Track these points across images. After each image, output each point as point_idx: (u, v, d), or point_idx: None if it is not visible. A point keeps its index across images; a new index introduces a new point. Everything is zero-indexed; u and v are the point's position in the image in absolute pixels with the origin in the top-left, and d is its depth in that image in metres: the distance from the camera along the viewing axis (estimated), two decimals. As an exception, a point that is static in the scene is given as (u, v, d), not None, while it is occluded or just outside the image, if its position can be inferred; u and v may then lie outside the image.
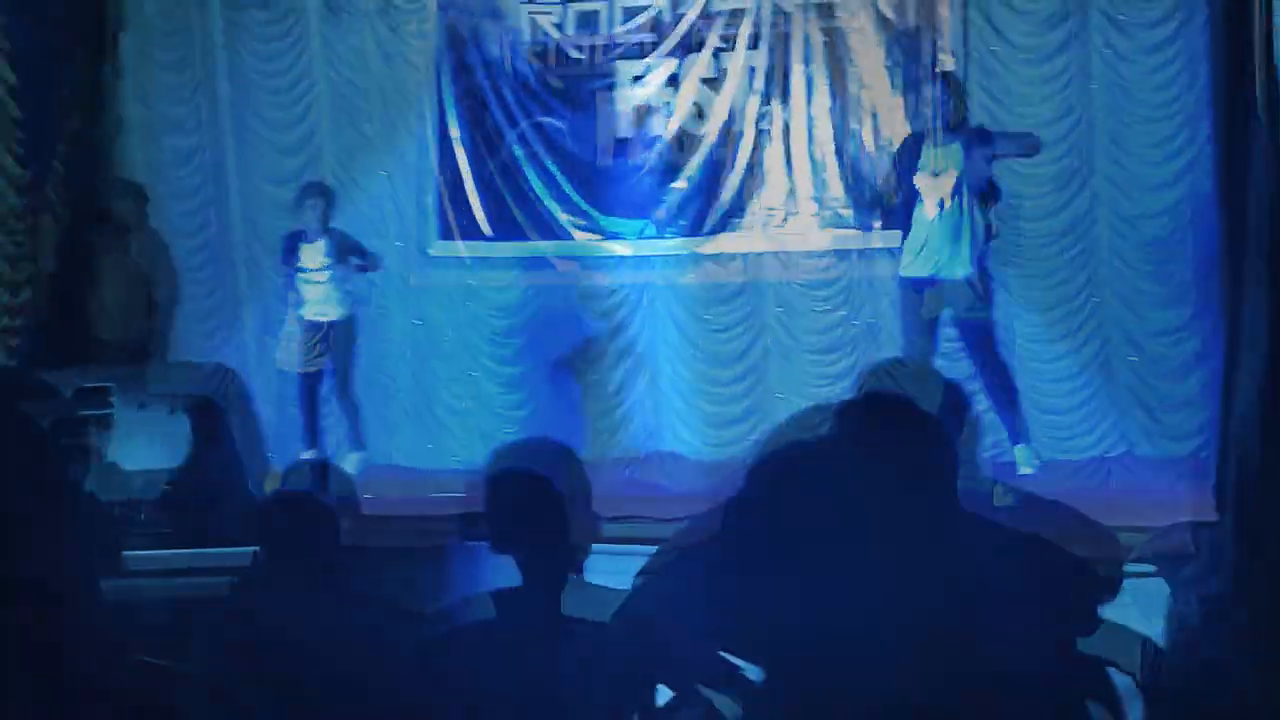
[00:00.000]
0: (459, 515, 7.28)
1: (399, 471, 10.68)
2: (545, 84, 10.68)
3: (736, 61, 10.38)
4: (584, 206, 10.61)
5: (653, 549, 3.77)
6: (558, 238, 10.69)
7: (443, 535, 7.44)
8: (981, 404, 9.06)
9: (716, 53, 10.44)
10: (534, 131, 10.68)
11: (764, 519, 2.18)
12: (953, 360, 9.32)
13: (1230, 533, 5.57)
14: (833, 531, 2.19)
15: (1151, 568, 5.97)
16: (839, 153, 10.21)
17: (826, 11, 10.25)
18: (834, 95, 10.19)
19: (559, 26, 10.66)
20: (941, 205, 8.94)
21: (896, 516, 2.95)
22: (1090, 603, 3.16)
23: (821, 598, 2.09)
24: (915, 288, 9.14)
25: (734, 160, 10.37)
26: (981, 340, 9.21)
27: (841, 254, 10.27)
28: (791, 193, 10.29)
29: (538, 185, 10.67)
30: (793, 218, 10.32)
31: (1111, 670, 3.39)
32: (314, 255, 9.85)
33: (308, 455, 9.80)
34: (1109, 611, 3.46)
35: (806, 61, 10.25)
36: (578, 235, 10.66)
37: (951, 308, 9.14)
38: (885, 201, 9.78)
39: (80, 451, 7.78)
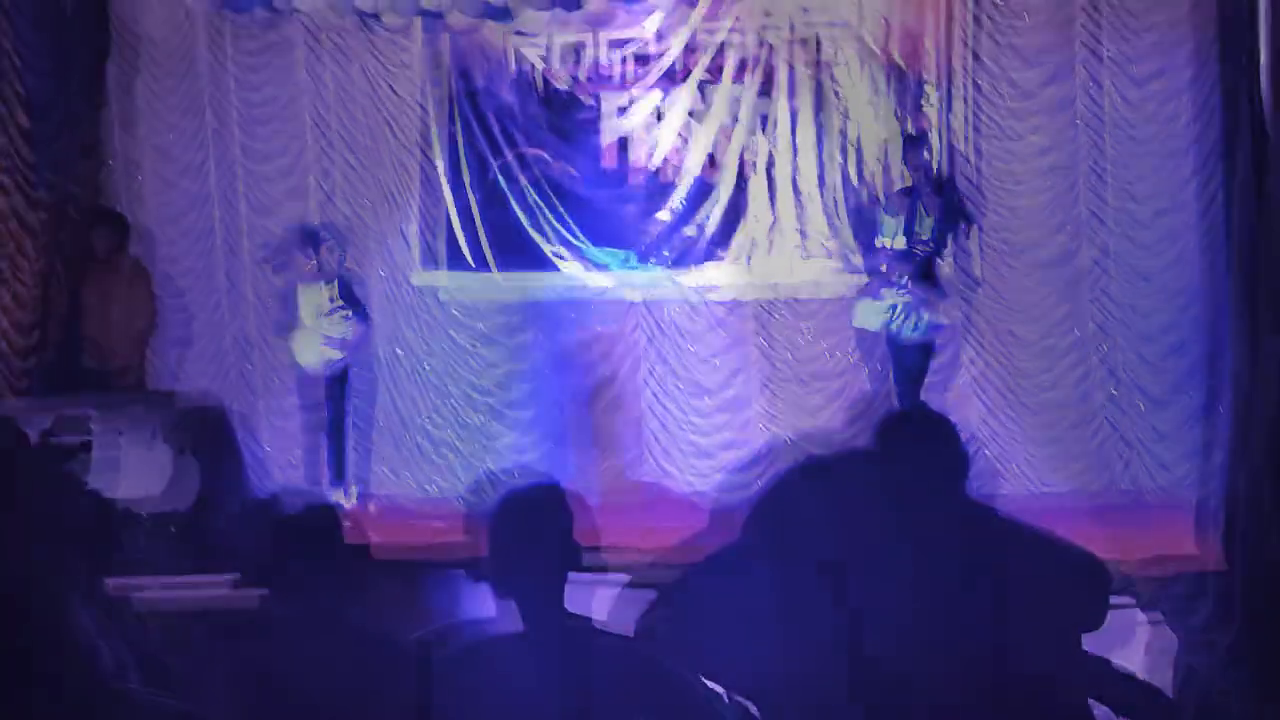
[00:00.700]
0: (440, 544, 7.29)
1: (378, 500, 10.66)
2: (530, 115, 10.69)
3: (721, 94, 10.41)
4: (568, 237, 10.61)
5: (630, 578, 3.77)
6: (542, 268, 10.68)
7: (424, 563, 7.44)
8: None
9: (701, 85, 10.46)
10: (519, 162, 10.69)
11: (783, 534, 2.19)
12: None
13: (1216, 560, 5.56)
14: (855, 542, 2.20)
15: (1159, 615, 5.95)
16: (822, 185, 10.23)
17: (813, 45, 10.28)
18: (818, 128, 10.22)
19: (544, 58, 10.68)
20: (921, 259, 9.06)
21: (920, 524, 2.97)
22: (1099, 597, 3.18)
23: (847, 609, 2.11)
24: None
25: (718, 192, 10.39)
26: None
27: (825, 284, 10.27)
28: (775, 224, 10.30)
29: (522, 216, 10.67)
30: (776, 249, 10.33)
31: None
32: (321, 298, 9.81)
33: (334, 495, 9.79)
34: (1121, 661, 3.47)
35: (791, 94, 10.28)
36: (562, 265, 10.66)
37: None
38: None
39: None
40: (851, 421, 9.92)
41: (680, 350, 10.64)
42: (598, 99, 10.62)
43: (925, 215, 9.32)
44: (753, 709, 3.22)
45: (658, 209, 10.50)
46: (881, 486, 3.02)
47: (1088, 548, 3.48)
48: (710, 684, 3.54)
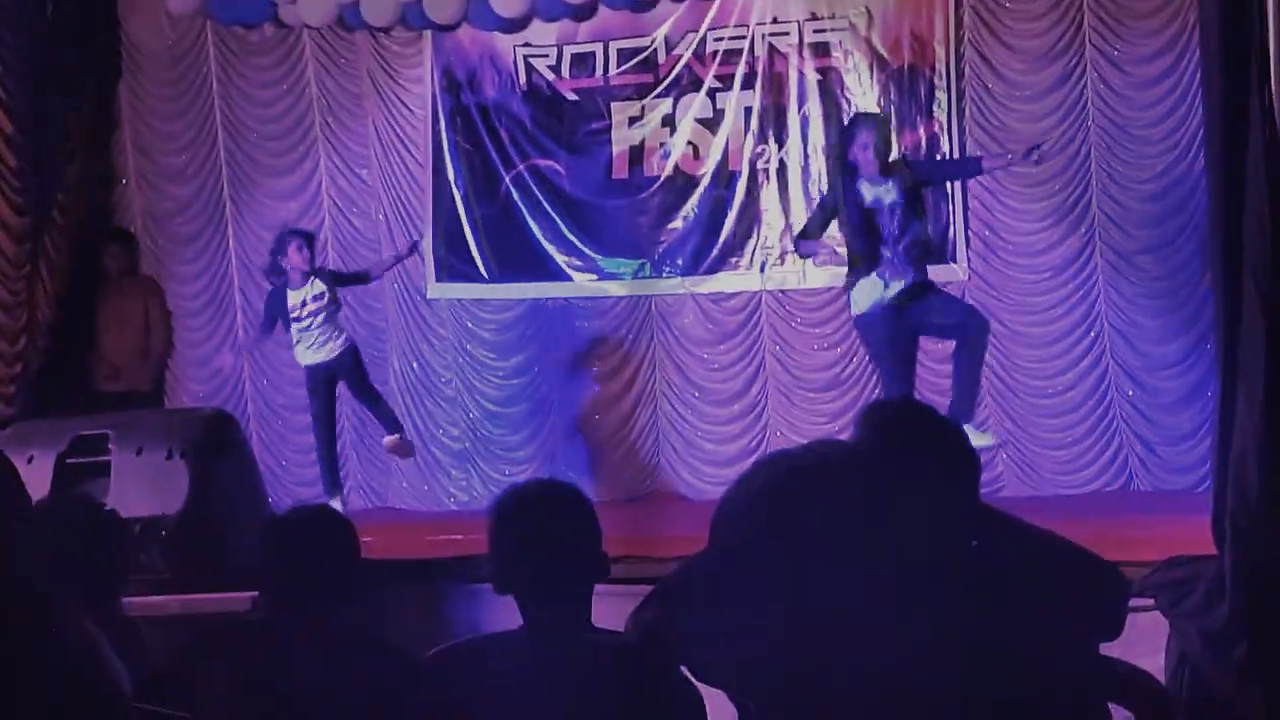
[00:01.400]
0: (460, 557, 7.27)
1: (397, 514, 10.68)
2: (541, 126, 10.71)
3: (732, 101, 10.42)
4: (581, 247, 10.63)
5: (648, 589, 3.74)
6: (555, 279, 10.70)
7: (441, 578, 7.43)
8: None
9: (712, 93, 10.47)
10: (530, 174, 10.71)
11: (773, 532, 2.16)
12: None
13: (1231, 564, 5.54)
14: (847, 540, 2.17)
15: (1151, 601, 5.96)
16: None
17: (821, 51, 10.29)
18: (829, 134, 10.21)
19: (554, 69, 10.69)
20: (897, 236, 8.61)
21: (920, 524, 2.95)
22: (1116, 606, 3.15)
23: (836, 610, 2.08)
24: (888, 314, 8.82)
25: (730, 200, 10.40)
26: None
27: (839, 291, 10.23)
28: (788, 231, 10.29)
29: (534, 227, 10.69)
30: (789, 256, 10.32)
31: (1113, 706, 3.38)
32: (303, 297, 9.64)
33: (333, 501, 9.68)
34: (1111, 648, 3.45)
35: (801, 101, 10.28)
36: (575, 276, 10.68)
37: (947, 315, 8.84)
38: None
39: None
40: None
41: (695, 359, 10.65)
42: (608, 109, 10.63)
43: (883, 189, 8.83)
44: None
45: (670, 218, 10.51)
46: (881, 488, 2.99)
47: (1101, 555, 3.46)
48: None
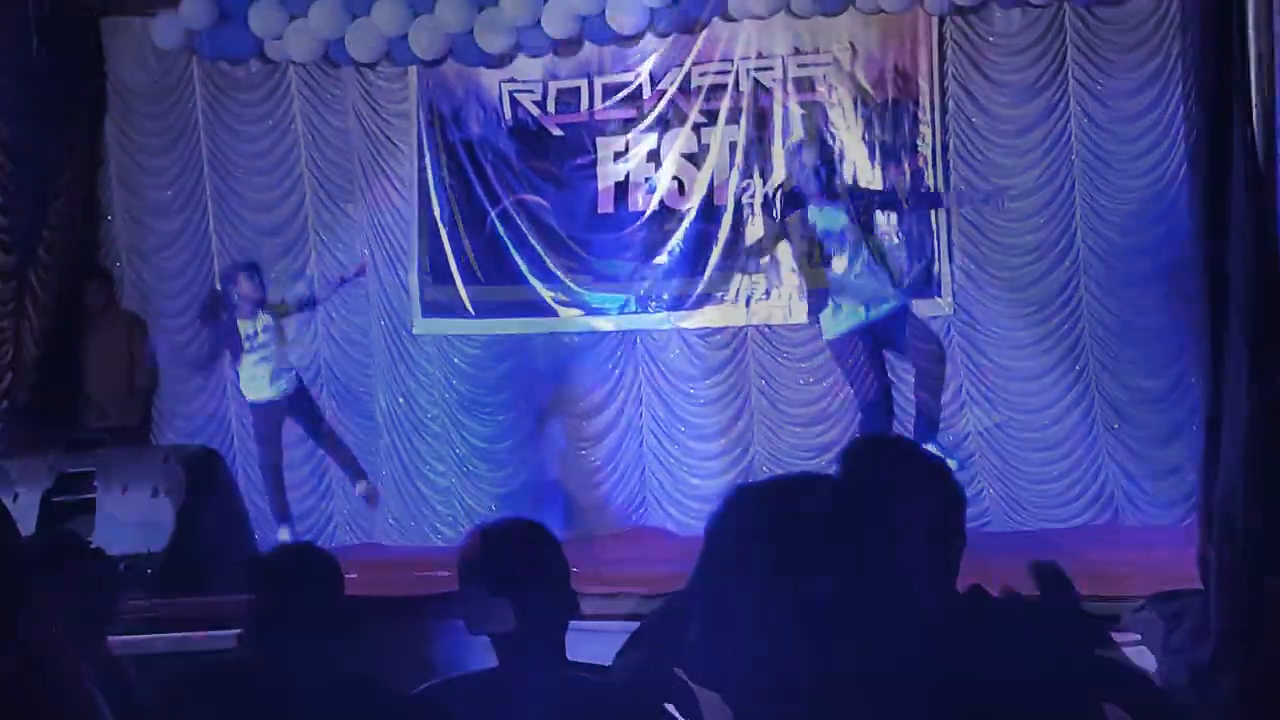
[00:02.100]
0: (444, 594, 7.25)
1: (382, 550, 10.65)
2: (527, 162, 10.73)
3: (717, 136, 10.44)
4: (567, 282, 10.64)
5: (634, 625, 3.74)
6: (541, 314, 10.71)
7: (428, 614, 7.41)
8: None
9: (697, 128, 10.50)
10: (517, 209, 10.72)
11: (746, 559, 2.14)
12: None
13: (1217, 599, 5.55)
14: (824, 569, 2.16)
15: (1138, 636, 5.96)
16: (820, 225, 10.23)
17: (806, 86, 10.32)
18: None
19: (540, 105, 10.71)
20: (851, 260, 8.69)
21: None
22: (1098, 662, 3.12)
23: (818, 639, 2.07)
24: (857, 337, 8.79)
25: (716, 234, 10.41)
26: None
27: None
28: (774, 265, 10.30)
29: (521, 262, 10.69)
30: (775, 290, 10.34)
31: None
32: (250, 329, 9.61)
33: (283, 534, 9.66)
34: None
35: (786, 135, 10.30)
36: (561, 311, 10.68)
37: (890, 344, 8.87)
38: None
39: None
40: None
41: (680, 393, 10.65)
42: (594, 144, 10.65)
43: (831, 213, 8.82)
44: None
45: (655, 253, 10.52)
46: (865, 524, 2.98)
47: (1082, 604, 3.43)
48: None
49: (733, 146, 10.42)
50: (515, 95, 10.73)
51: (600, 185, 10.64)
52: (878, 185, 9.87)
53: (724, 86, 10.39)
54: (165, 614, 7.45)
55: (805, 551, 2.18)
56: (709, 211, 10.45)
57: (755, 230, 10.28)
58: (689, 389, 10.65)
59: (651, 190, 10.55)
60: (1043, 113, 9.94)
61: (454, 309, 10.86)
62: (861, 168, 10.13)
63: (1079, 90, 9.87)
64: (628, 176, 10.61)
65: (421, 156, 10.89)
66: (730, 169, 10.41)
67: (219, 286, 9.72)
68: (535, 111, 10.71)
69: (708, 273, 10.45)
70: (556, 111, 10.70)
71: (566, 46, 10.39)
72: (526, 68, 10.60)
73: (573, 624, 3.67)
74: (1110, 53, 9.80)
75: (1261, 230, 5.66)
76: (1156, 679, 5.76)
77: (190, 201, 11.22)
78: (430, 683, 3.85)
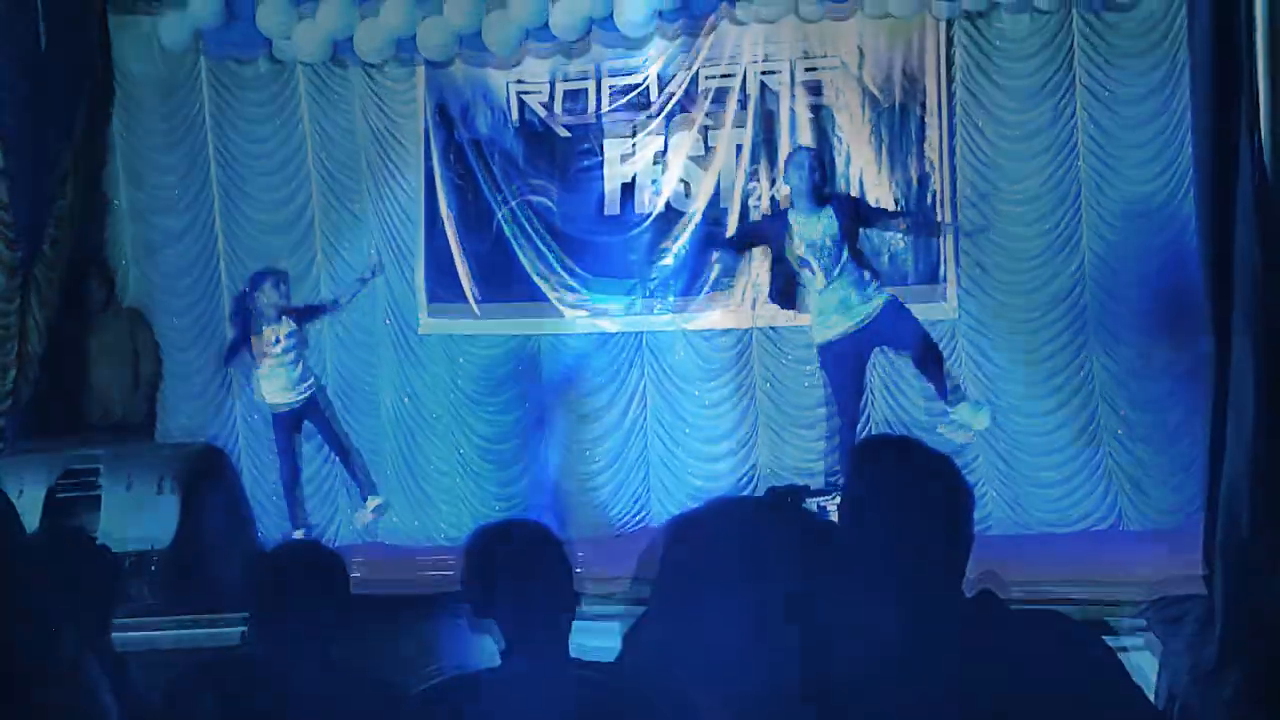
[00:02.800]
0: (448, 593, 7.26)
1: (387, 549, 10.65)
2: (533, 162, 10.73)
3: (724, 138, 10.44)
4: (572, 282, 10.64)
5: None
6: (547, 314, 10.71)
7: (432, 613, 7.42)
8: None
9: (704, 130, 10.50)
10: (522, 209, 10.72)
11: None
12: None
13: (1221, 602, 5.56)
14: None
15: (1142, 639, 5.97)
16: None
17: (813, 89, 10.32)
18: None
19: (547, 105, 10.72)
20: (829, 273, 8.73)
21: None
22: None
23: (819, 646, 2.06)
24: (852, 347, 8.86)
25: (722, 236, 10.41)
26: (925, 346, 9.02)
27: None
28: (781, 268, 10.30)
29: (526, 262, 10.70)
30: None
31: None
32: (274, 336, 9.64)
33: (298, 535, 9.68)
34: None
35: (792, 137, 10.30)
36: (566, 311, 10.69)
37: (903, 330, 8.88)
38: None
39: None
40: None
41: (685, 394, 10.66)
42: (601, 145, 10.66)
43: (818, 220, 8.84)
44: None
45: (661, 255, 10.52)
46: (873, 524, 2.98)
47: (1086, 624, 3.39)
48: None
49: (739, 149, 10.42)
50: (523, 96, 10.74)
51: (607, 186, 10.65)
52: (885, 193, 9.90)
53: (731, 89, 10.40)
54: (169, 610, 7.46)
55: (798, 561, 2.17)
56: (715, 213, 10.46)
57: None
58: (694, 390, 10.66)
59: (658, 192, 10.55)
60: (1050, 117, 9.93)
61: (460, 309, 10.86)
62: (868, 171, 10.14)
63: (1086, 95, 9.86)
64: (634, 178, 10.61)
65: (428, 156, 10.89)
66: (737, 171, 10.41)
67: (246, 289, 9.71)
68: (542, 112, 10.72)
69: (713, 274, 10.45)
70: (563, 112, 10.70)
71: (574, 47, 10.40)
72: (534, 68, 10.60)
73: (576, 623, 3.69)
74: (1117, 58, 9.80)
75: (1267, 236, 5.66)
76: (1160, 682, 5.77)
77: (197, 199, 11.22)
78: (434, 681, 3.86)
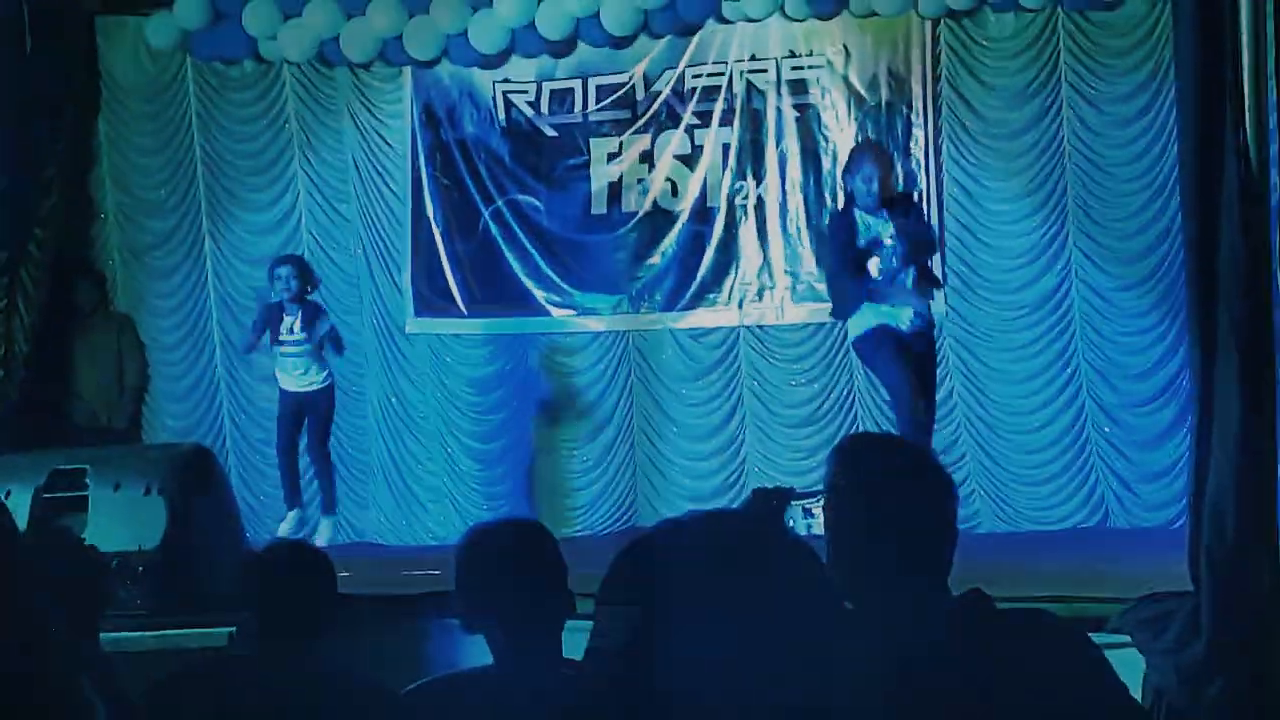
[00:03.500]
0: (436, 593, 7.25)
1: (374, 549, 10.65)
2: (520, 162, 10.74)
3: (710, 138, 10.46)
4: (559, 283, 10.65)
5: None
6: (534, 314, 10.72)
7: (419, 613, 7.41)
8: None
9: (690, 130, 10.51)
10: (509, 209, 10.73)
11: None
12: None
13: (1207, 601, 5.57)
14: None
15: (1127, 638, 5.97)
16: (812, 227, 10.25)
17: (799, 88, 10.33)
18: (807, 170, 10.27)
19: (533, 105, 10.72)
20: (884, 266, 8.59)
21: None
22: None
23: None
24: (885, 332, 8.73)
25: (709, 236, 10.43)
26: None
27: (817, 327, 10.29)
28: (766, 267, 10.33)
29: (513, 262, 10.71)
30: (768, 292, 10.37)
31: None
32: (293, 322, 9.66)
33: (290, 518, 9.64)
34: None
35: (780, 137, 10.33)
36: (554, 311, 10.69)
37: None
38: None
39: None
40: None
41: (673, 394, 10.67)
42: (587, 145, 10.66)
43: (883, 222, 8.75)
44: None
45: (648, 255, 10.54)
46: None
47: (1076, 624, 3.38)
48: None
49: (726, 148, 10.44)
50: (509, 96, 10.74)
51: (593, 186, 10.66)
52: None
53: (718, 88, 10.41)
54: (156, 611, 7.44)
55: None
56: (702, 213, 10.47)
57: (749, 232, 10.33)
58: (681, 389, 10.67)
59: (644, 192, 10.56)
60: (1035, 116, 9.96)
61: (447, 309, 10.86)
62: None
63: (1072, 94, 9.89)
64: (621, 177, 10.62)
65: (415, 156, 10.90)
66: (723, 171, 10.43)
67: (273, 269, 9.69)
68: (529, 112, 10.72)
69: (700, 274, 10.46)
70: (550, 112, 10.71)
71: (560, 47, 10.40)
72: (521, 68, 10.60)
73: (569, 623, 3.68)
74: (1103, 57, 9.82)
75: (1253, 234, 5.67)
76: (1146, 680, 5.78)
77: (184, 201, 11.21)
78: (423, 681, 3.86)
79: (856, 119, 10.20)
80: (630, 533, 10.37)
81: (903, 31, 10.11)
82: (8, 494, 7.50)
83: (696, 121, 10.50)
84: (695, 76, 10.46)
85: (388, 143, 10.97)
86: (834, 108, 10.25)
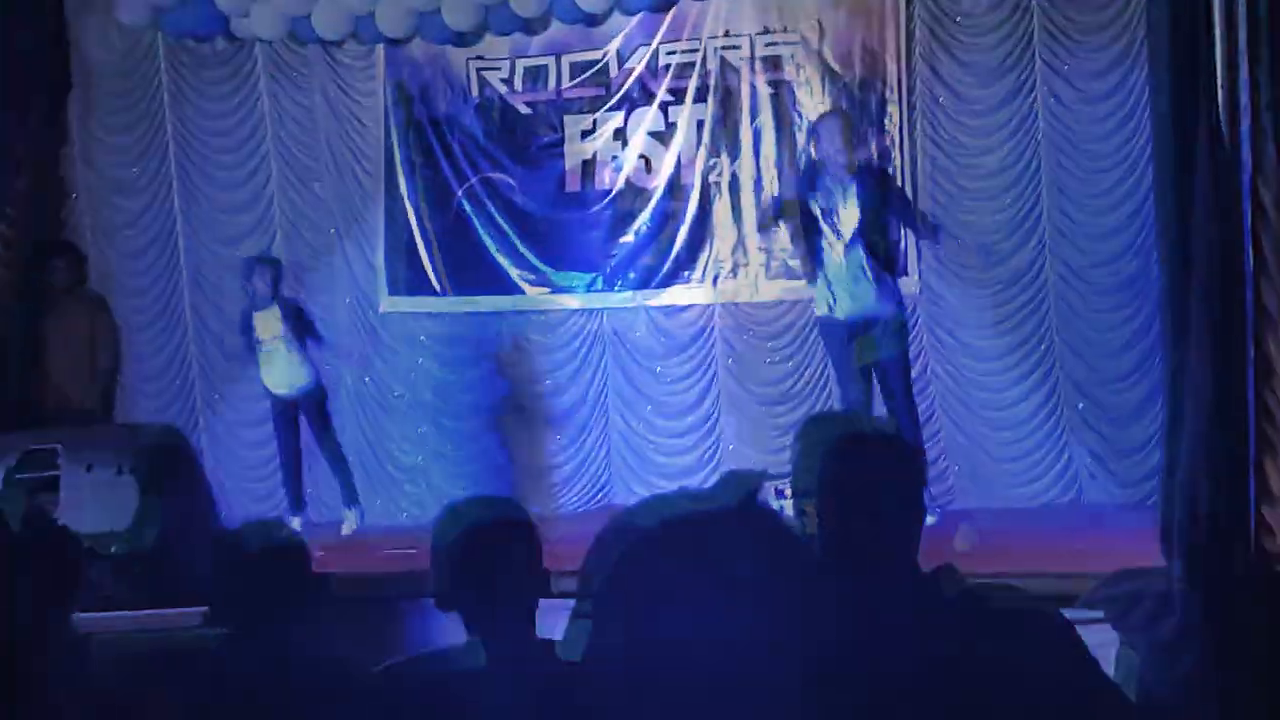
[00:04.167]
0: (412, 572, 7.25)
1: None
2: (493, 140, 10.72)
3: (684, 115, 10.43)
4: (534, 261, 10.63)
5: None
6: (508, 292, 10.70)
7: (395, 593, 7.42)
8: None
9: (664, 106, 10.49)
10: (483, 187, 10.70)
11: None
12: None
13: (1179, 577, 5.59)
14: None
15: (1100, 614, 5.99)
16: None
17: (773, 64, 10.32)
18: (780, 147, 10.25)
19: (507, 82, 10.69)
20: (849, 245, 8.76)
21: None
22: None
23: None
24: (846, 331, 8.87)
25: (683, 213, 10.42)
26: (902, 375, 9.02)
27: (791, 304, 10.28)
28: (740, 244, 10.33)
29: (487, 240, 10.69)
30: (742, 269, 10.36)
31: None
32: (266, 324, 9.73)
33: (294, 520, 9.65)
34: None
35: (754, 114, 10.31)
36: (528, 290, 10.68)
37: (884, 350, 8.90)
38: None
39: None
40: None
41: (647, 371, 10.67)
42: (561, 122, 10.64)
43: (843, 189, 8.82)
44: None
45: (622, 232, 10.52)
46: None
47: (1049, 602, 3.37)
48: None
49: (700, 125, 10.42)
50: (483, 73, 10.71)
51: (567, 163, 10.64)
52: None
53: (691, 65, 10.38)
54: (129, 593, 7.43)
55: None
56: (676, 190, 10.46)
57: (723, 209, 10.32)
58: (656, 367, 10.66)
59: (618, 169, 10.54)
60: (1010, 92, 9.94)
61: (421, 287, 10.84)
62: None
63: (1046, 70, 9.87)
64: (595, 155, 10.60)
65: (388, 135, 10.87)
66: (697, 147, 10.41)
67: (248, 271, 9.80)
68: (502, 89, 10.70)
69: (674, 251, 10.45)
70: (524, 89, 10.69)
71: (534, 24, 10.35)
72: (494, 45, 10.55)
73: (545, 602, 3.68)
74: (1077, 33, 9.80)
75: (1226, 210, 5.69)
76: (1119, 656, 5.80)
77: (155, 180, 11.17)
78: (396, 659, 3.85)
79: (831, 95, 10.18)
80: (606, 510, 10.41)
81: (877, 7, 10.09)
82: (-21, 476, 7.49)
83: (670, 98, 10.48)
84: (669, 53, 10.43)
85: (360, 121, 10.94)
86: (808, 84, 10.23)
